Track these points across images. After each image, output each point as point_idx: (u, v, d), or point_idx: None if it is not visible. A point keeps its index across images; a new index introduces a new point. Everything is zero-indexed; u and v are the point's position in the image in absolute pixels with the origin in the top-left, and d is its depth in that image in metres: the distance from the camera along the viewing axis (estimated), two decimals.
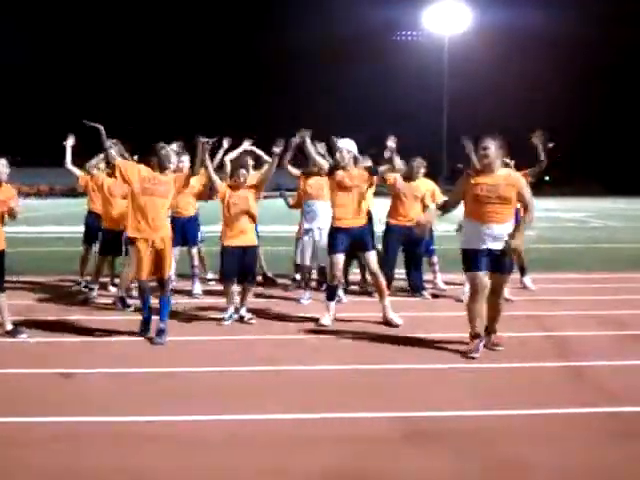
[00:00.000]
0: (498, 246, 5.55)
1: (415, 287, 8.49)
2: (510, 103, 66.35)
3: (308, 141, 7.17)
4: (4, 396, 4.73)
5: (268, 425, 4.18)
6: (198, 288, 8.49)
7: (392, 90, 68.42)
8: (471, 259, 5.67)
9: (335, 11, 71.64)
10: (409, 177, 8.34)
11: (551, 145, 8.06)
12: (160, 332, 6.13)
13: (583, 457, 3.71)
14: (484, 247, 5.58)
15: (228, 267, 6.97)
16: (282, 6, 76.51)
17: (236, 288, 7.15)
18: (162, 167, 6.27)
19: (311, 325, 6.85)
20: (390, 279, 8.03)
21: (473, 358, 5.55)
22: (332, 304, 6.97)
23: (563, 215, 28.70)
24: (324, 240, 7.93)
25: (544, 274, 10.27)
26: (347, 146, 6.97)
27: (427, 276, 9.05)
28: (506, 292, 8.16)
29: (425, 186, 8.47)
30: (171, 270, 6.76)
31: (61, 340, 6.22)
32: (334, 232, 6.95)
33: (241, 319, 6.98)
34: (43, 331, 6.51)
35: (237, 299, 7.12)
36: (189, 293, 8.43)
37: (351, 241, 6.89)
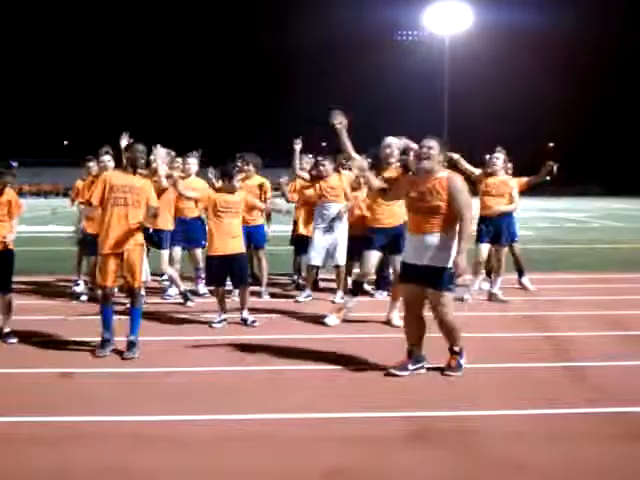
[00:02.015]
0: (426, 260, 5.00)
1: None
2: (511, 103, 66.33)
3: (345, 133, 5.93)
4: (2, 396, 4.74)
5: (267, 425, 4.18)
6: (203, 288, 8.50)
7: (393, 90, 68.39)
8: (400, 271, 5.39)
9: (336, 11, 71.59)
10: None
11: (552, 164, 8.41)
12: (131, 345, 5.71)
13: (583, 457, 3.72)
14: (412, 262, 5.11)
15: (214, 275, 6.83)
16: (283, 5, 76.48)
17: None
18: (133, 168, 5.89)
19: (310, 325, 6.86)
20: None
21: (394, 375, 5.08)
22: (355, 300, 6.95)
23: (563, 215, 28.70)
24: (338, 241, 7.96)
25: (544, 274, 10.28)
26: (396, 143, 6.74)
27: None
28: (499, 294, 8.20)
29: None
30: (145, 278, 6.36)
31: (60, 340, 6.22)
32: (371, 231, 6.91)
33: (244, 322, 6.87)
34: (42, 331, 6.51)
35: (235, 299, 7.11)
36: (195, 293, 8.42)
37: (386, 241, 6.79)
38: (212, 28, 77.76)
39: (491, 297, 8.24)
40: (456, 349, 5.26)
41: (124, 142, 7.28)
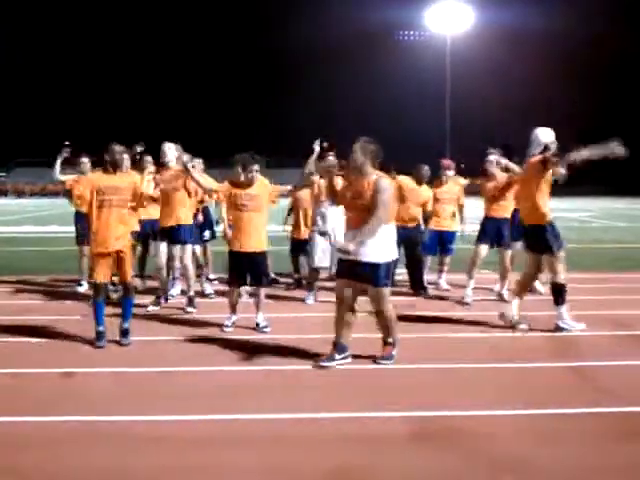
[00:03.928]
0: (361, 256, 5.23)
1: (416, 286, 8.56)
2: (512, 102, 66.25)
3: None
4: (6, 395, 4.75)
5: (270, 425, 4.19)
6: (209, 288, 8.46)
7: (394, 90, 68.35)
8: (337, 267, 5.64)
9: (336, 11, 71.54)
10: (419, 182, 8.69)
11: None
12: (125, 332, 6.09)
13: (585, 457, 3.72)
14: (349, 257, 5.29)
15: (235, 274, 6.59)
16: (282, 4, 76.38)
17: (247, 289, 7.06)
18: (114, 168, 6.04)
19: (313, 324, 6.86)
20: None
21: (321, 367, 5.33)
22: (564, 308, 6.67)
23: (566, 215, 28.64)
24: (338, 241, 7.97)
25: (545, 274, 10.24)
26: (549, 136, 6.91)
27: (433, 275, 9.13)
28: (505, 295, 8.21)
29: (427, 193, 8.81)
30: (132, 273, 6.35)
31: (61, 340, 6.21)
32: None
33: (257, 325, 6.68)
34: (43, 331, 6.50)
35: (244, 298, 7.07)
36: (200, 293, 8.40)
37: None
38: (212, 27, 77.75)
39: (500, 297, 8.26)
40: (390, 340, 5.57)
41: (139, 149, 7.39)
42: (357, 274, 5.33)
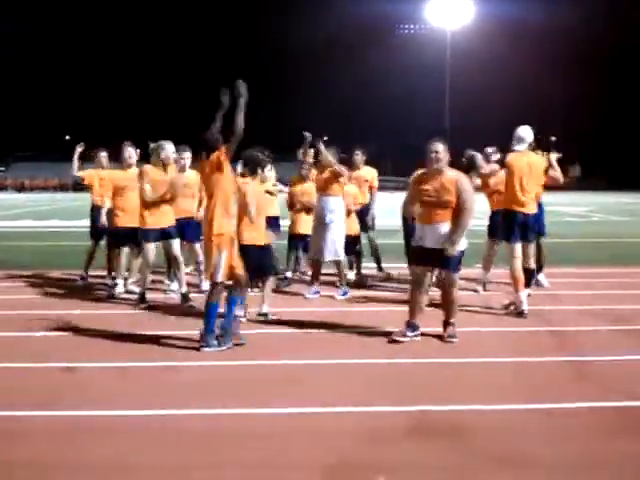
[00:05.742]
0: (439, 245, 5.76)
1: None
2: (512, 97, 66.16)
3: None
4: (7, 389, 4.75)
5: (273, 419, 4.20)
6: (206, 283, 8.42)
7: (394, 84, 68.22)
8: (415, 254, 6.13)
9: (336, 9, 71.30)
10: None
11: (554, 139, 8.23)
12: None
13: (584, 452, 3.72)
14: (426, 245, 5.88)
15: (245, 267, 6.60)
16: (283, 5, 76.05)
17: None
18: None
19: (315, 319, 6.86)
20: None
21: (395, 341, 5.83)
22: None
23: (564, 209, 28.64)
24: (336, 235, 7.96)
25: (545, 269, 10.26)
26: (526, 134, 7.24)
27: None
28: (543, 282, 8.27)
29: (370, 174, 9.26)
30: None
31: (65, 334, 6.22)
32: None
33: (259, 315, 6.74)
34: (47, 325, 6.50)
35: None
36: (197, 287, 8.39)
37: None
38: (212, 27, 77.62)
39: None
40: (452, 320, 6.03)
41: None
42: (434, 260, 5.83)
